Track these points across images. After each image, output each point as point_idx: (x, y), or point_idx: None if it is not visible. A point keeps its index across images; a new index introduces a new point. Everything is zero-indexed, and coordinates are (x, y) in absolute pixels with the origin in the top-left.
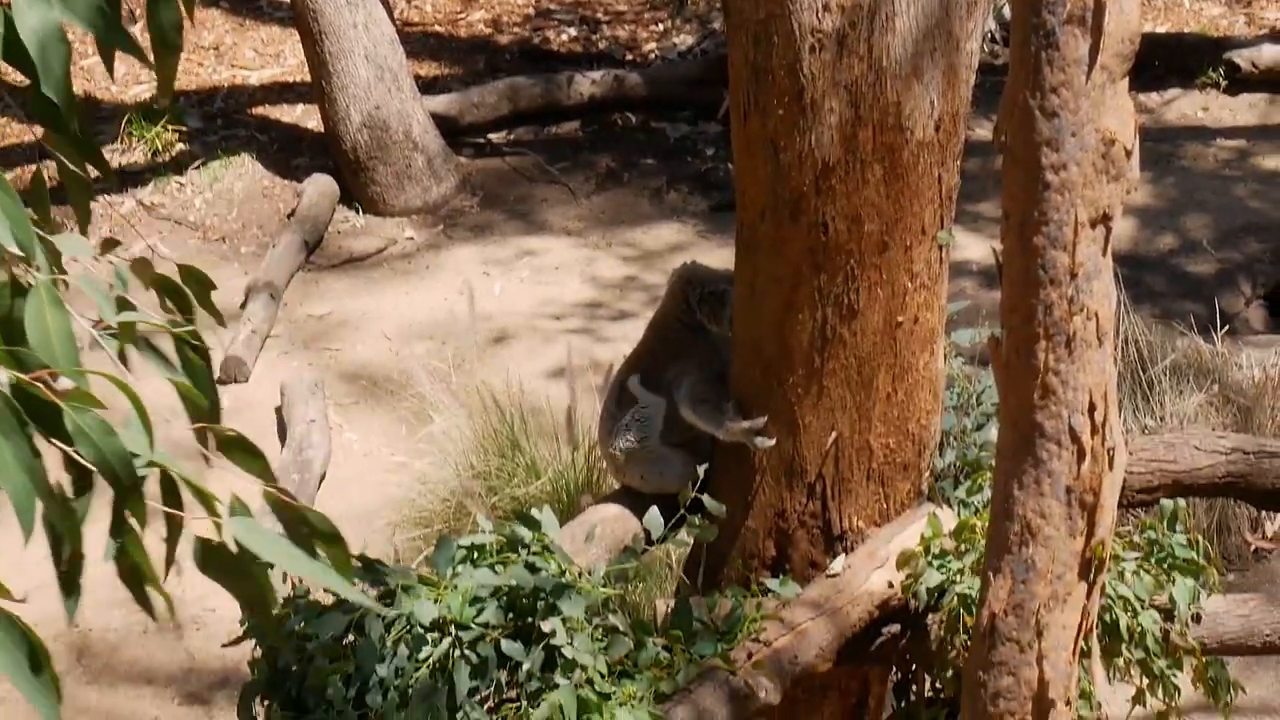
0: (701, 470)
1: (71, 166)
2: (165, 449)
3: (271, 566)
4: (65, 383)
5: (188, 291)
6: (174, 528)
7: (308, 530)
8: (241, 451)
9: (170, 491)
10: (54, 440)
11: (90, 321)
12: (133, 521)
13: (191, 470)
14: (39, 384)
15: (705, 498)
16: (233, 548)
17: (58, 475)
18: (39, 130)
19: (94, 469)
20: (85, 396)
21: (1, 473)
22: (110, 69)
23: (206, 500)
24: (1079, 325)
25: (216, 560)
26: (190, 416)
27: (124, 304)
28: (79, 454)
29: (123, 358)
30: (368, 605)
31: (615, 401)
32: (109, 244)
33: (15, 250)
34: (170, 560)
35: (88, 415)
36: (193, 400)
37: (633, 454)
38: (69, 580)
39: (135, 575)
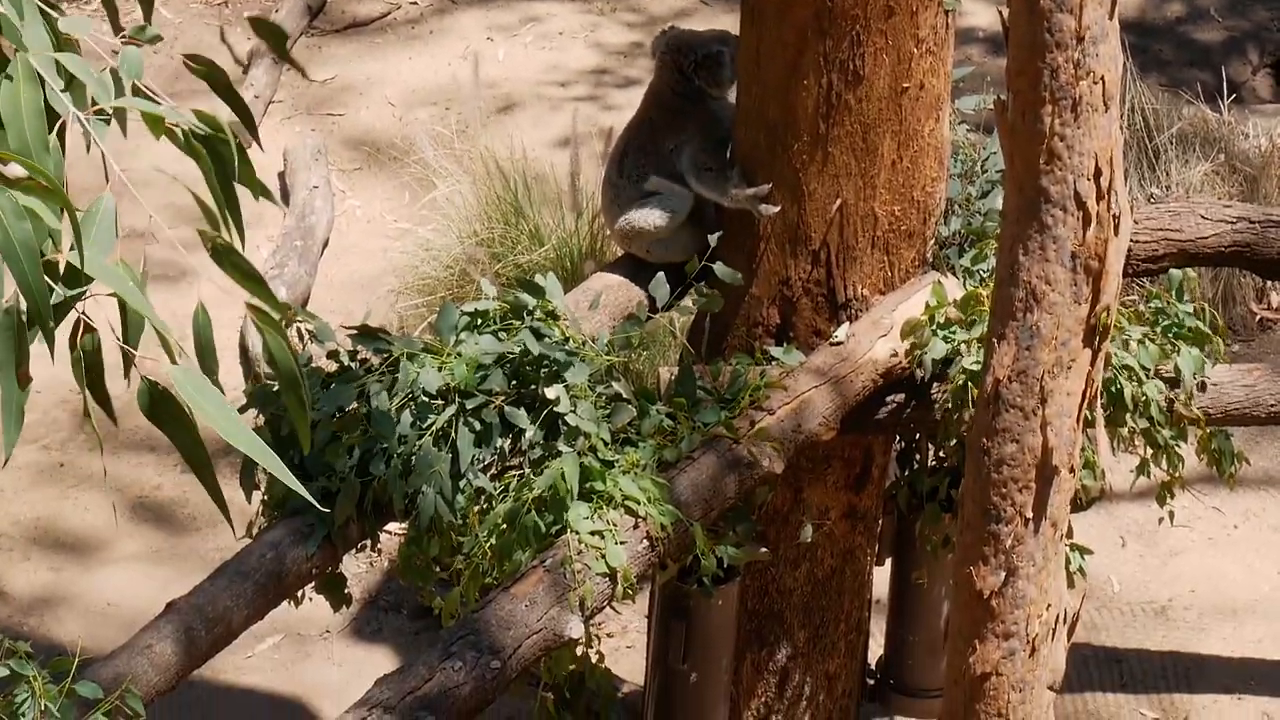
0: (714, 239)
1: None
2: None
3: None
4: (15, 171)
5: (236, 90)
6: (126, 362)
7: (269, 358)
8: (235, 266)
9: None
10: None
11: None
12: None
13: (145, 304)
14: None
15: (718, 265)
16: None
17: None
18: None
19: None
20: (39, 188)
21: None
22: None
23: (164, 342)
24: (1085, 89)
25: (162, 409)
26: (205, 217)
27: (137, 91)
28: None
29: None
30: (307, 498)
31: (617, 170)
32: (139, 32)
33: (8, 10)
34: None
35: (3, 194)
36: (201, 201)
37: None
38: (9, 404)
39: (97, 385)
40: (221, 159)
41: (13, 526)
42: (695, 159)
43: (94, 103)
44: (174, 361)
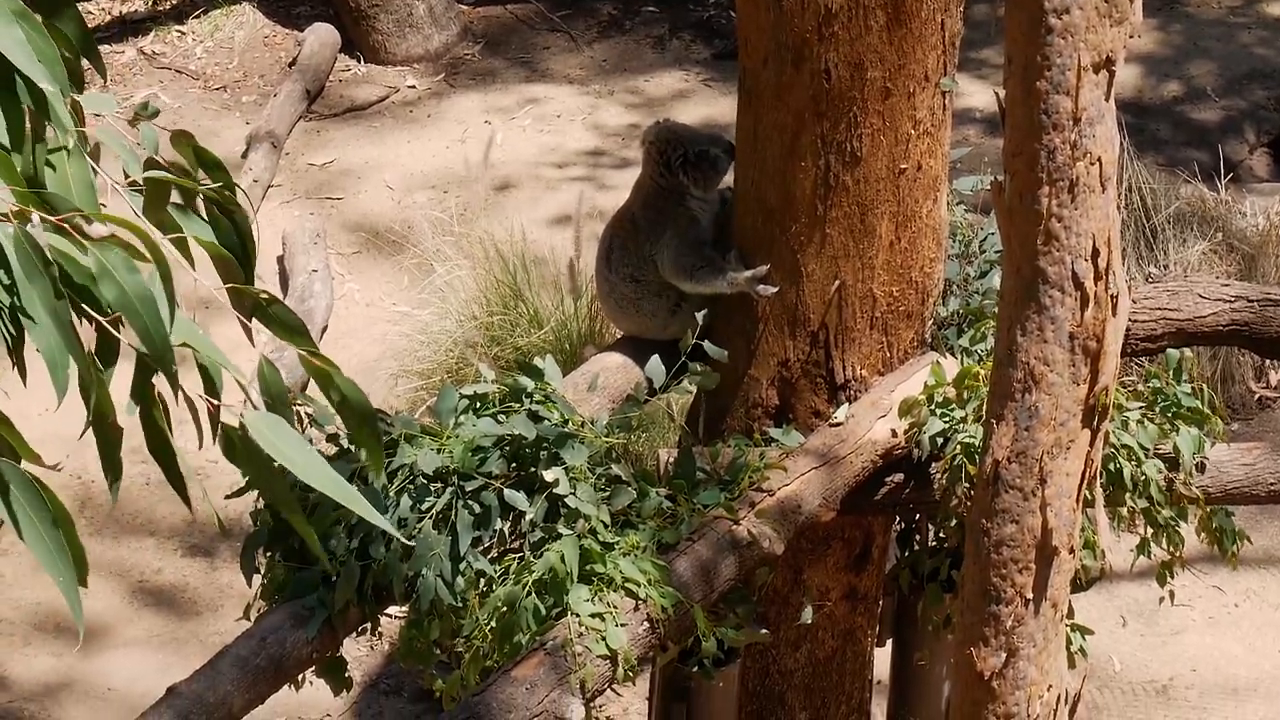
0: (701, 318)
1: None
2: (192, 311)
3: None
4: (99, 230)
5: (223, 162)
6: (214, 418)
7: (340, 399)
8: (279, 321)
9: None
10: (73, 296)
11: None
12: (159, 386)
13: (216, 351)
14: (65, 226)
15: (706, 343)
16: (258, 442)
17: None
18: None
19: (119, 336)
20: (120, 244)
21: (33, 329)
22: None
23: (241, 386)
24: (1082, 170)
25: (243, 452)
26: (222, 278)
27: (152, 164)
28: (97, 314)
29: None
30: (383, 526)
31: (606, 264)
32: (143, 109)
33: (50, 87)
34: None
35: (111, 252)
36: (224, 262)
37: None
38: (109, 455)
39: (164, 450)
40: (235, 221)
41: (14, 612)
42: (679, 263)
43: (126, 175)
44: (255, 408)
